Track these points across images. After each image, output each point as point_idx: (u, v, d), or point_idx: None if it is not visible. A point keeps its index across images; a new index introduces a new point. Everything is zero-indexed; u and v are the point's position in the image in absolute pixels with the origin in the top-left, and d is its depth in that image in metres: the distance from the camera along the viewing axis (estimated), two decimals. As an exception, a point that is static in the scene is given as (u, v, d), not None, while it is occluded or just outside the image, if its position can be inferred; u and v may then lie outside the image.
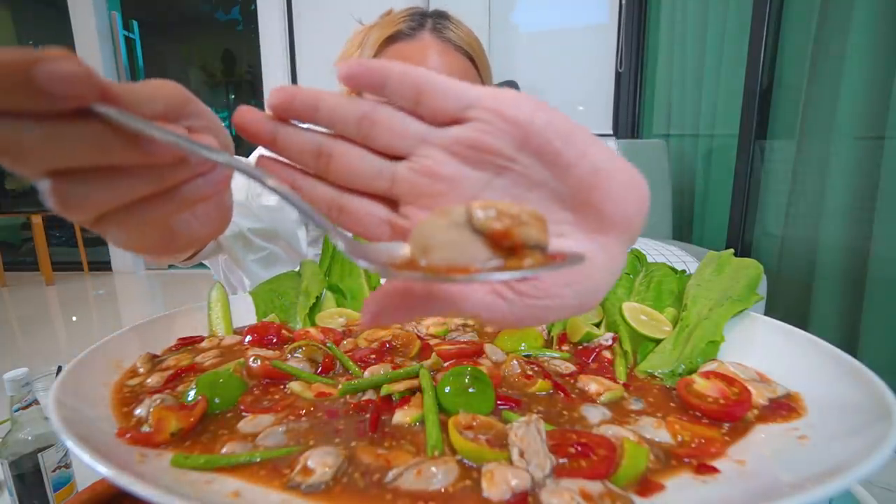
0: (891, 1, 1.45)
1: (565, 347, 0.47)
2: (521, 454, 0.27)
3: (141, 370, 0.41)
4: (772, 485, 0.26)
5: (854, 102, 1.56)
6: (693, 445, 0.31)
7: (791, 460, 0.28)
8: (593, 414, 0.34)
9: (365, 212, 0.29)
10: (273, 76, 3.21)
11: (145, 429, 0.31)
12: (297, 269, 0.64)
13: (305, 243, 0.83)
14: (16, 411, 0.70)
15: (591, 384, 0.38)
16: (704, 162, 2.28)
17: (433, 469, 0.27)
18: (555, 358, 0.44)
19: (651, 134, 2.66)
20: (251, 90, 4.72)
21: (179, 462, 0.28)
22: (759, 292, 0.47)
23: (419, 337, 0.47)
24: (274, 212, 0.77)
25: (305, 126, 0.28)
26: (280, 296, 0.58)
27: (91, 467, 0.24)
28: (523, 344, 0.46)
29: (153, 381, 0.39)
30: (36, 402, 0.72)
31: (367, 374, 0.39)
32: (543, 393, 0.38)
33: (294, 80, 3.18)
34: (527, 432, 0.28)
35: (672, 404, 0.36)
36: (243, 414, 0.34)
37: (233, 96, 4.96)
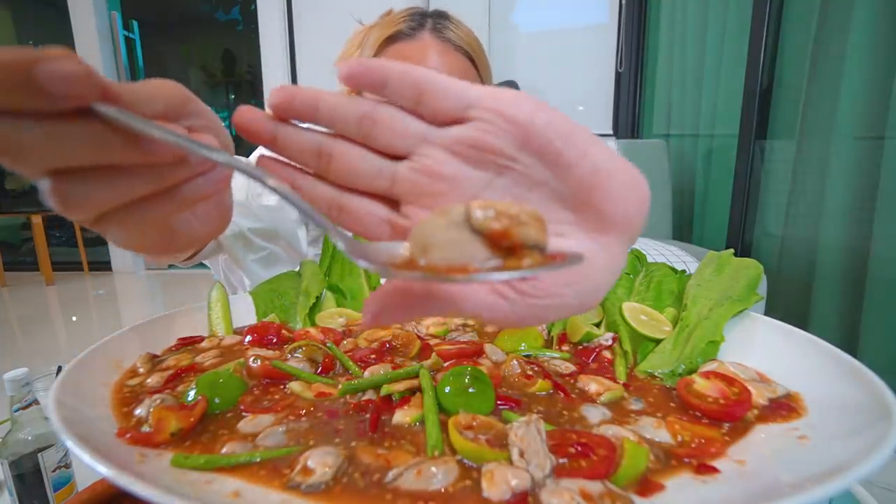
0: (891, 1, 1.45)
1: (565, 347, 0.47)
2: (521, 454, 0.27)
3: (141, 370, 0.41)
4: (772, 485, 0.26)
5: (854, 102, 1.56)
6: (693, 445, 0.31)
7: (791, 460, 0.28)
8: (593, 414, 0.34)
9: (365, 211, 0.29)
10: (273, 76, 3.21)
11: (145, 429, 0.31)
12: (297, 269, 0.64)
13: (305, 243, 0.83)
14: (16, 411, 0.70)
15: (591, 384, 0.38)
16: (704, 162, 2.28)
17: (433, 469, 0.27)
18: (555, 358, 0.44)
19: (651, 134, 2.66)
20: (251, 90, 4.72)
21: (179, 462, 0.28)
22: (759, 292, 0.47)
23: (419, 337, 0.47)
24: (274, 212, 0.78)
25: (305, 126, 0.28)
26: (280, 296, 0.58)
27: (91, 467, 0.24)
28: (523, 344, 0.46)
29: (153, 381, 0.39)
30: (36, 402, 0.72)
31: (367, 374, 0.39)
32: (543, 393, 0.38)
33: (294, 80, 3.18)
34: (527, 432, 0.28)
35: (672, 404, 0.36)
36: (243, 414, 0.34)
37: (233, 96, 4.96)
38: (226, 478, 0.27)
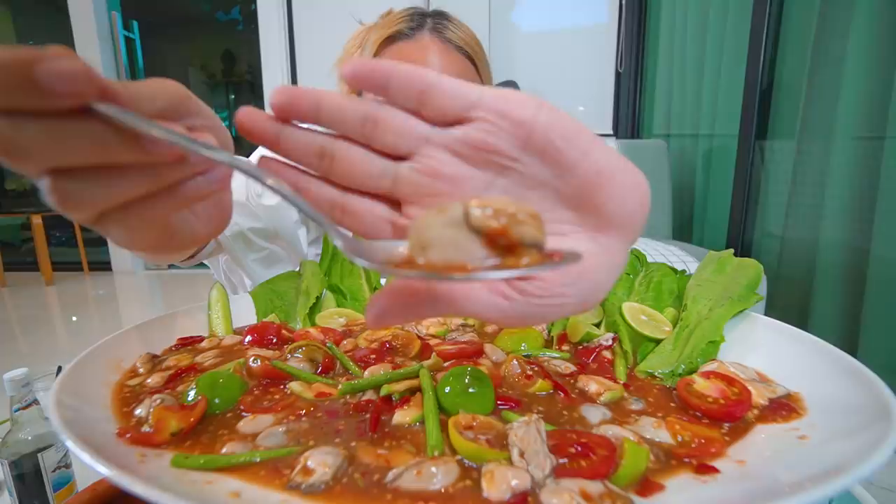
0: (891, 1, 1.45)
1: (565, 347, 0.46)
2: (521, 454, 0.27)
3: (141, 370, 0.41)
4: (772, 485, 0.26)
5: (854, 102, 1.56)
6: (693, 445, 0.31)
7: (791, 460, 0.28)
8: (593, 414, 0.34)
9: (368, 212, 0.29)
10: (273, 76, 3.21)
11: (145, 429, 0.31)
12: (297, 268, 0.64)
13: (306, 243, 0.83)
14: (16, 411, 0.70)
15: (591, 384, 0.38)
16: (704, 162, 2.28)
17: (433, 469, 0.27)
18: (555, 358, 0.44)
19: (651, 134, 2.66)
20: (251, 90, 4.72)
21: (179, 462, 0.28)
22: (759, 292, 0.47)
23: (419, 337, 0.47)
24: (274, 212, 0.77)
25: (305, 126, 0.28)
26: (280, 296, 0.58)
27: (91, 467, 0.24)
28: (523, 344, 0.46)
29: (153, 381, 0.39)
30: (36, 402, 0.72)
31: (367, 374, 0.39)
32: (543, 393, 0.38)
33: (294, 80, 3.17)
34: (527, 432, 0.28)
35: (672, 404, 0.36)
36: (243, 414, 0.34)
37: (233, 96, 4.96)
38: (226, 478, 0.27)
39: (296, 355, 0.42)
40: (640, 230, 0.28)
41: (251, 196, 0.76)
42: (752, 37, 1.86)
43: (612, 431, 0.31)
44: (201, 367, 0.42)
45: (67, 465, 0.72)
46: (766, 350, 0.41)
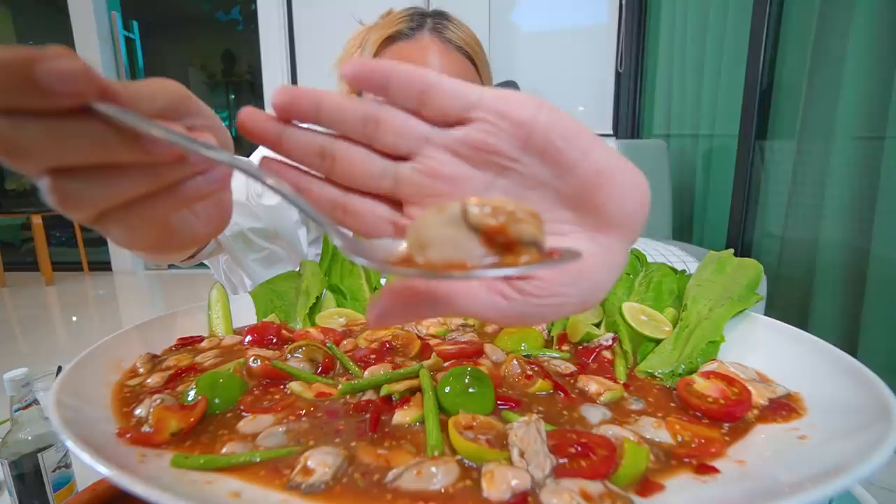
0: (891, 1, 1.45)
1: (565, 347, 0.46)
2: (521, 454, 0.27)
3: (141, 370, 0.41)
4: (772, 485, 0.26)
5: (854, 102, 1.56)
6: (693, 445, 0.31)
7: (791, 460, 0.28)
8: (593, 414, 0.34)
9: (369, 212, 0.29)
10: (273, 76, 3.21)
11: (145, 429, 0.31)
12: (297, 268, 0.64)
13: (306, 243, 0.83)
14: (16, 411, 0.70)
15: (591, 384, 0.38)
16: (704, 162, 2.28)
17: (433, 469, 0.27)
18: (555, 358, 0.44)
19: (651, 134, 2.66)
20: (251, 90, 4.72)
21: (179, 462, 0.28)
22: (759, 292, 0.47)
23: (419, 337, 0.47)
24: (274, 212, 0.77)
25: (306, 126, 0.28)
26: (280, 296, 0.58)
27: (91, 467, 0.24)
28: (523, 344, 0.46)
29: (153, 381, 0.39)
30: (36, 402, 0.72)
31: (367, 374, 0.39)
32: (543, 393, 0.38)
33: (294, 80, 3.17)
34: (527, 432, 0.28)
35: (672, 404, 0.36)
36: (243, 414, 0.34)
37: (233, 96, 4.96)
38: (226, 478, 0.27)
39: (296, 355, 0.42)
40: (640, 230, 0.28)
41: (251, 196, 0.76)
42: (752, 37, 1.86)
43: (612, 431, 0.31)
44: (201, 367, 0.42)
45: (67, 465, 0.72)
46: (766, 350, 0.41)
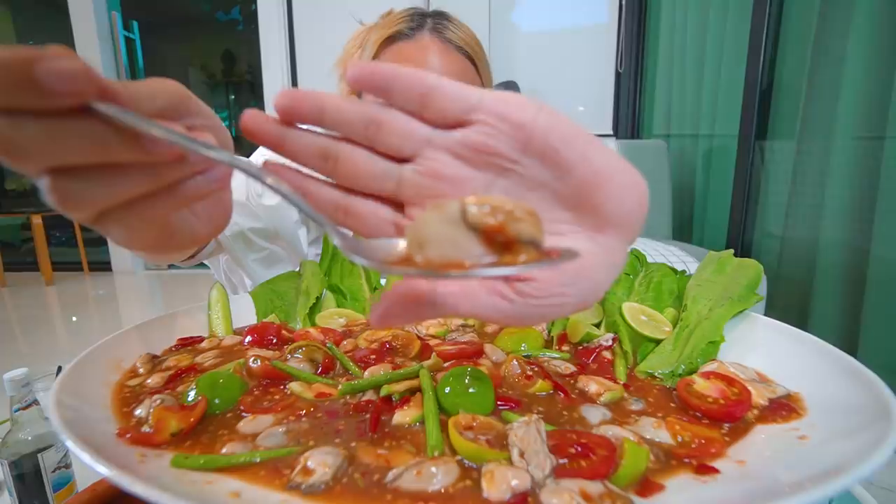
0: (891, 1, 1.45)
1: (565, 348, 0.46)
2: (521, 454, 0.27)
3: (141, 370, 0.41)
4: (772, 485, 0.26)
5: (854, 102, 1.56)
6: (693, 445, 0.31)
7: (791, 460, 0.28)
8: (593, 414, 0.34)
9: (371, 213, 0.29)
10: (273, 76, 3.21)
11: (145, 429, 0.31)
12: (297, 269, 0.64)
13: (306, 243, 0.83)
14: (16, 411, 0.70)
15: (591, 384, 0.38)
16: (704, 162, 2.28)
17: (433, 469, 0.27)
18: (555, 358, 0.44)
19: (651, 134, 2.66)
20: (251, 90, 4.72)
21: (179, 462, 0.28)
22: (759, 292, 0.47)
23: (419, 337, 0.47)
24: (274, 212, 0.77)
25: (307, 128, 0.28)
26: (280, 296, 0.58)
27: (91, 467, 0.24)
28: (523, 344, 0.46)
29: (153, 381, 0.39)
30: (36, 402, 0.72)
31: (367, 374, 0.39)
32: (543, 393, 0.38)
33: (294, 79, 3.18)
34: (527, 433, 0.28)
35: (672, 404, 0.36)
36: (243, 414, 0.34)
37: (233, 96, 4.96)
38: (226, 478, 0.27)
39: (296, 355, 0.42)
40: (639, 230, 0.28)
41: (251, 196, 0.76)
42: (752, 37, 1.86)
43: (612, 432, 0.31)
44: (201, 368, 0.42)
45: (67, 465, 0.72)
46: (766, 350, 0.41)
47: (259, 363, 0.40)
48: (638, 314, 0.48)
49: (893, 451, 0.25)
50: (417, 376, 0.36)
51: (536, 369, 0.40)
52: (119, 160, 0.22)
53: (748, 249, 2.03)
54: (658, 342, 0.46)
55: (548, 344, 0.48)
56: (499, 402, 0.35)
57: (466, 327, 0.53)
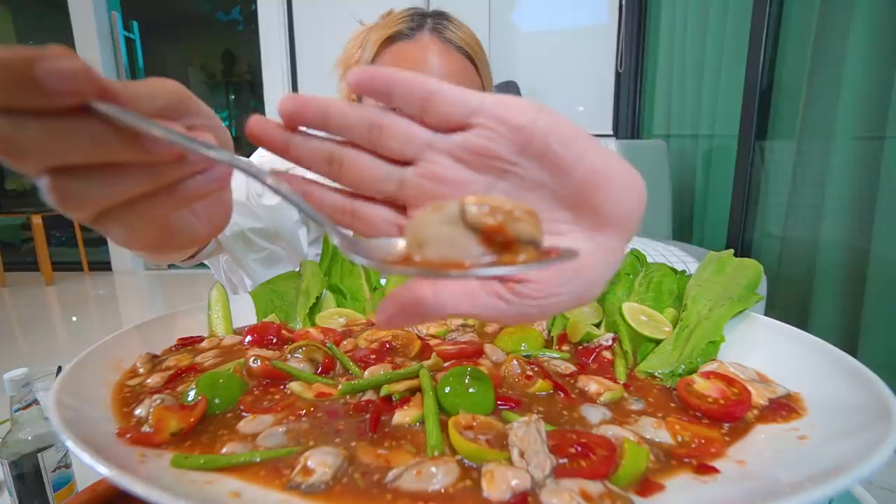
0: (891, 1, 1.45)
1: (565, 347, 0.46)
2: (521, 454, 0.27)
3: (141, 370, 0.41)
4: (772, 485, 0.26)
5: (854, 102, 1.56)
6: (693, 445, 0.31)
7: (791, 460, 0.28)
8: (593, 414, 0.34)
9: (375, 215, 0.30)
10: (273, 76, 3.21)
11: (145, 429, 0.31)
12: (297, 269, 0.64)
13: (306, 243, 0.83)
14: (16, 411, 0.70)
15: (591, 384, 0.38)
16: (704, 162, 2.28)
17: (433, 469, 0.27)
18: (555, 358, 0.44)
19: (651, 134, 2.66)
20: (251, 90, 4.71)
21: (179, 462, 0.28)
22: (759, 292, 0.47)
23: (419, 337, 0.47)
24: (274, 211, 0.77)
25: (311, 132, 0.28)
26: (280, 296, 0.58)
27: (91, 467, 0.24)
28: (523, 344, 0.46)
29: (153, 381, 0.39)
30: (36, 402, 0.72)
31: (367, 374, 0.39)
32: (543, 393, 0.38)
33: (294, 80, 3.18)
34: (527, 432, 0.28)
35: (672, 404, 0.36)
36: (243, 414, 0.34)
37: (233, 96, 4.95)
38: (226, 478, 0.27)
39: (296, 355, 0.42)
40: (637, 228, 0.28)
41: (251, 196, 0.76)
42: (752, 37, 1.86)
43: (612, 431, 0.31)
44: (201, 368, 0.42)
45: (67, 465, 0.72)
46: (766, 350, 0.41)
47: (259, 363, 0.40)
48: (638, 314, 0.48)
49: (893, 451, 0.25)
50: (417, 376, 0.36)
51: (536, 369, 0.40)
52: (119, 160, 0.22)
53: (748, 249, 2.03)
54: (658, 342, 0.46)
55: (548, 344, 0.48)
56: (499, 402, 0.35)
57: (466, 327, 0.53)
